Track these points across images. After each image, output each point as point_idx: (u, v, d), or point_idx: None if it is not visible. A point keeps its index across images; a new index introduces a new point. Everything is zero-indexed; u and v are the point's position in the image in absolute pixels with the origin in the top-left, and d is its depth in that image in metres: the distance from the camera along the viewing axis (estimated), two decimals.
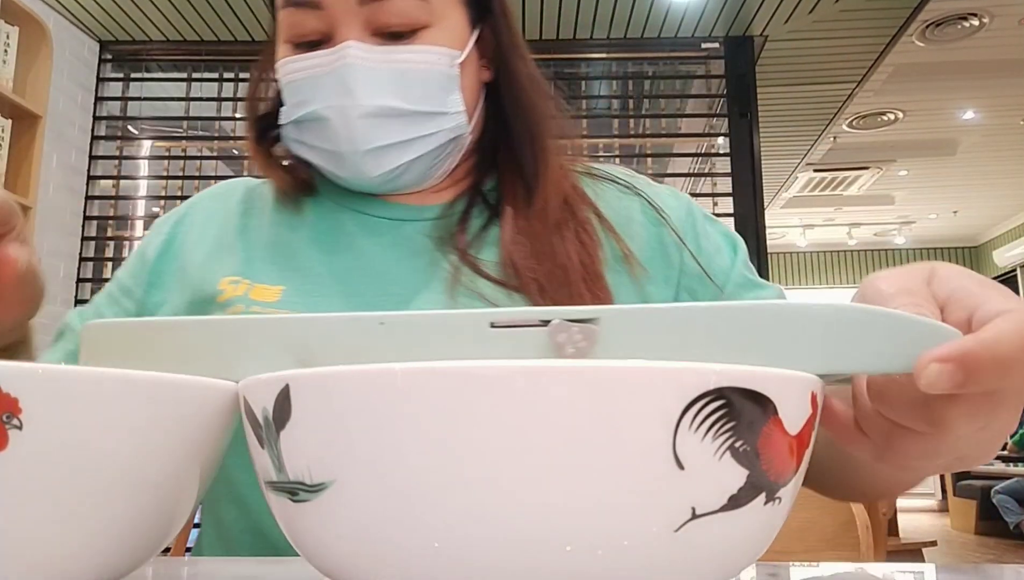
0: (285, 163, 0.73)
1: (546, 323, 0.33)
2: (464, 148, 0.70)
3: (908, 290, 0.33)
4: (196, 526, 0.79)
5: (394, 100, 0.63)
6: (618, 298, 0.65)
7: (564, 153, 0.73)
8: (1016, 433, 6.46)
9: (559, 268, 0.64)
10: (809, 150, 5.25)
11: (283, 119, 0.67)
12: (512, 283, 0.64)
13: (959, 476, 6.58)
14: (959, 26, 3.77)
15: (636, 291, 0.67)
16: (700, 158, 4.16)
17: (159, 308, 0.68)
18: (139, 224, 3.63)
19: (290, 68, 0.65)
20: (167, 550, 0.96)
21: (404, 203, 0.70)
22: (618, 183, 0.74)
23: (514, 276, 0.64)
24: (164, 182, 3.66)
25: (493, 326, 0.34)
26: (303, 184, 0.72)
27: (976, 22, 3.75)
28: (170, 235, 0.73)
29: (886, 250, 8.78)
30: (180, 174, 3.66)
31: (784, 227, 7.85)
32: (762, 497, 0.26)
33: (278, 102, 0.69)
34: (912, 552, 3.29)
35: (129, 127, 3.83)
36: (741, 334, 0.31)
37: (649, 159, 4.04)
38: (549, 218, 0.67)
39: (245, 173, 3.22)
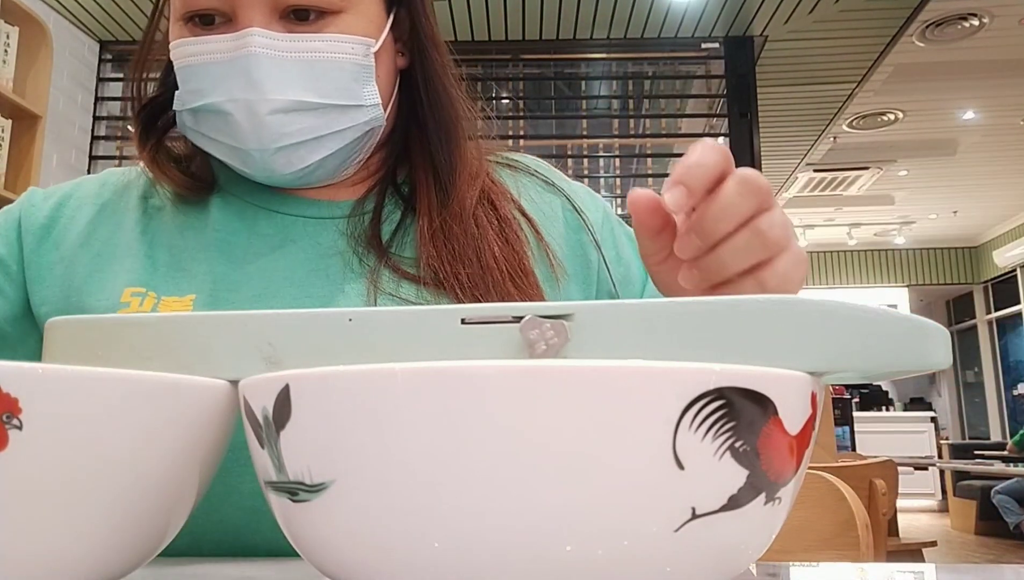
0: (180, 152, 0.68)
1: (518, 319, 0.33)
2: (379, 138, 0.67)
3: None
4: None
5: (305, 94, 0.58)
6: (545, 296, 0.63)
7: (478, 143, 0.70)
8: (1017, 433, 6.46)
9: (483, 268, 0.61)
10: (809, 150, 5.25)
11: (178, 105, 0.61)
12: (433, 284, 0.61)
13: (959, 476, 6.58)
14: (959, 26, 3.78)
15: (559, 291, 0.65)
16: None
17: (40, 308, 0.62)
18: None
19: (186, 51, 0.59)
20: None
21: (316, 198, 0.67)
22: (538, 177, 0.72)
23: (434, 276, 0.61)
24: None
25: (464, 322, 0.33)
26: (203, 182, 0.67)
27: (976, 22, 3.75)
28: (51, 218, 0.66)
29: (886, 250, 8.78)
30: None
31: None
32: (762, 497, 0.26)
33: (169, 85, 0.64)
34: (912, 552, 3.29)
35: (129, 127, 3.83)
36: (718, 331, 0.31)
37: (649, 159, 4.04)
38: (466, 214, 0.64)
39: None
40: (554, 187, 0.72)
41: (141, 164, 0.69)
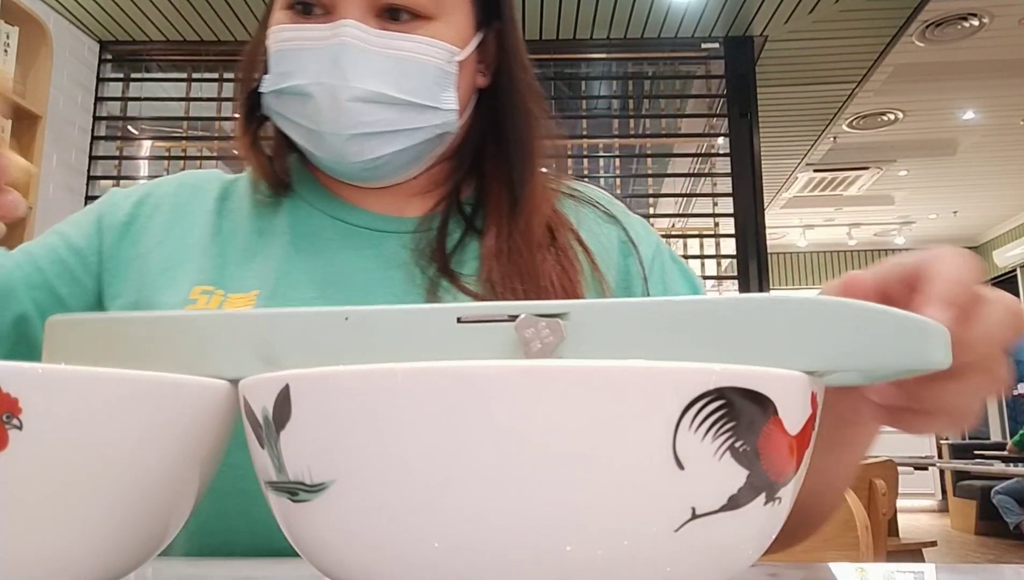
0: (268, 152, 0.71)
1: (513, 318, 0.33)
2: (447, 148, 0.69)
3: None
4: None
5: (386, 87, 0.62)
6: None
7: (549, 172, 0.73)
8: (1017, 433, 6.46)
9: (540, 289, 0.63)
10: (809, 150, 5.24)
11: (265, 87, 0.65)
12: (491, 299, 0.62)
13: (959, 476, 6.58)
14: (959, 26, 3.77)
15: None
16: (700, 158, 4.16)
17: (114, 301, 0.66)
18: None
19: (282, 36, 0.63)
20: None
21: (383, 213, 0.69)
22: (598, 208, 0.75)
23: (492, 292, 0.63)
24: None
25: (460, 321, 0.33)
26: (279, 180, 0.70)
27: (976, 22, 3.75)
28: (131, 216, 0.69)
29: (886, 250, 8.78)
30: None
31: (784, 227, 7.85)
32: (762, 497, 0.26)
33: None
34: (912, 552, 3.29)
35: (129, 127, 3.83)
36: (718, 331, 0.31)
37: (649, 159, 4.04)
38: (532, 237, 0.66)
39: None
40: (613, 218, 0.74)
41: (216, 166, 0.72)
